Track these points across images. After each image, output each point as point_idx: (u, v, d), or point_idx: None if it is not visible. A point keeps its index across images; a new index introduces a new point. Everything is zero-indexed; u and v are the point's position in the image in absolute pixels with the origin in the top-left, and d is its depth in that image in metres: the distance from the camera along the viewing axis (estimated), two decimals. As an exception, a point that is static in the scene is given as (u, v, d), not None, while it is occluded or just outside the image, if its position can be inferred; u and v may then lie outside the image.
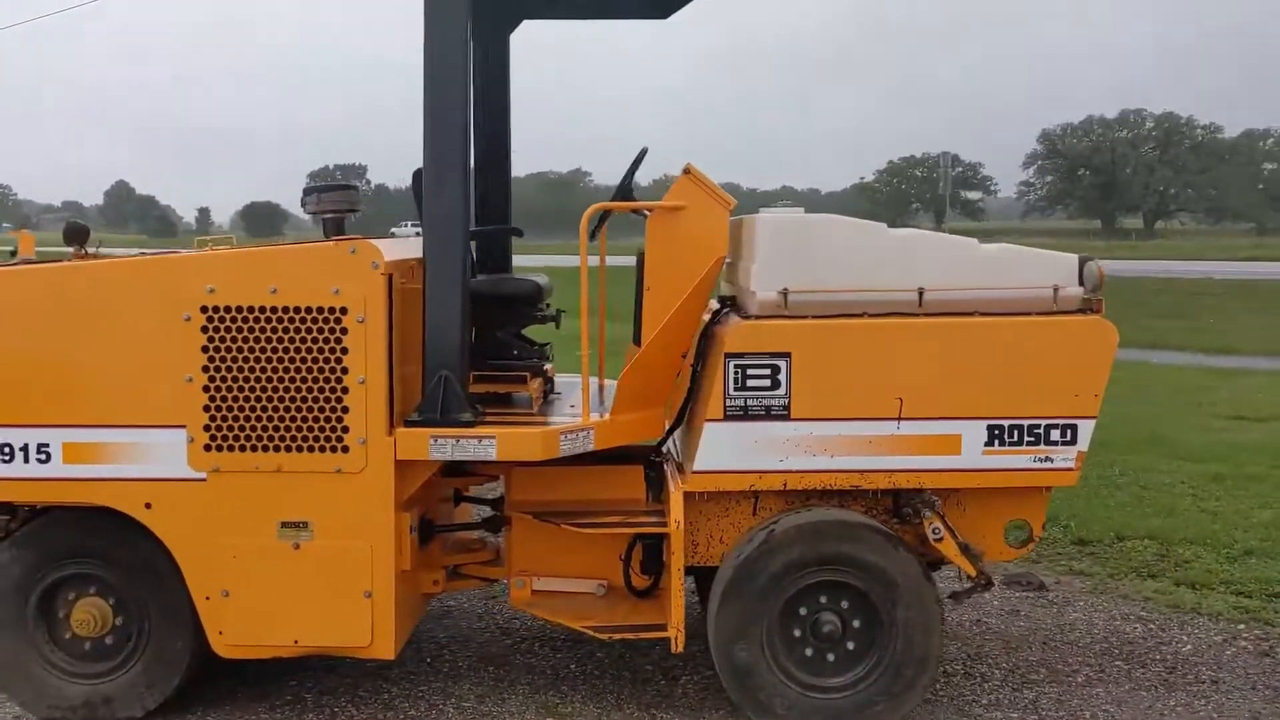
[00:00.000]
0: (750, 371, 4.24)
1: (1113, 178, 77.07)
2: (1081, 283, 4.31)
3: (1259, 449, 9.28)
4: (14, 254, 5.54)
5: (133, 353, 4.20)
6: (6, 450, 4.23)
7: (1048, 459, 4.28)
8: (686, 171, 4.46)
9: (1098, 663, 5.03)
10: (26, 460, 4.23)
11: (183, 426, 4.21)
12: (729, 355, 4.23)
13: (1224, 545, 6.70)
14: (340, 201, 5.05)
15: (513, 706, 4.56)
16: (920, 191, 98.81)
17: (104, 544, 4.40)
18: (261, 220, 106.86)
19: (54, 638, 4.47)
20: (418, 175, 4.79)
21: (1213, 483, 8.23)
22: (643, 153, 4.92)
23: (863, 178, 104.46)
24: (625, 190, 4.86)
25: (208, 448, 4.21)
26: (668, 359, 4.53)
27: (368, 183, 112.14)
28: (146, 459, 4.23)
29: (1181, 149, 78.02)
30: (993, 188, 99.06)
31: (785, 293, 4.25)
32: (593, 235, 5.04)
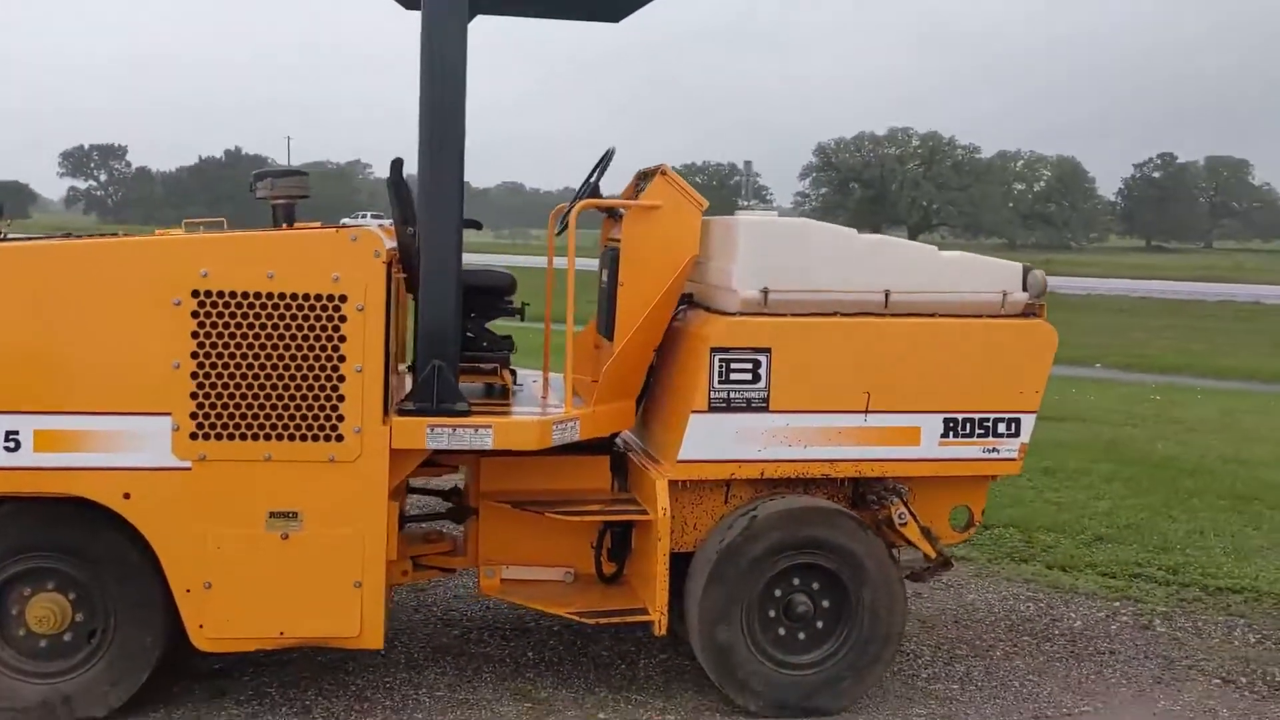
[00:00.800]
0: (733, 365, 4.45)
1: (882, 191, 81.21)
2: (1025, 289, 4.71)
3: (1073, 446, 10.13)
4: None
5: (115, 337, 4.04)
6: (-29, 437, 4.00)
7: (995, 450, 4.67)
8: (663, 173, 4.64)
9: (1009, 638, 5.48)
10: (-7, 448, 4.01)
11: (168, 414, 4.09)
12: (714, 349, 4.43)
13: (1076, 532, 7.35)
14: (295, 187, 4.96)
15: (486, 694, 4.62)
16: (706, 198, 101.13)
17: (68, 537, 4.21)
18: (7, 199, 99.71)
19: (5, 635, 4.25)
20: (397, 164, 4.80)
21: (1046, 476, 8.96)
22: (609, 153, 5.06)
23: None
24: (593, 189, 4.99)
25: (194, 436, 4.10)
26: (643, 353, 4.69)
27: (128, 164, 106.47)
28: (126, 447, 4.08)
29: (944, 167, 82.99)
30: (769, 197, 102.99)
31: (766, 291, 4.48)
32: (560, 232, 5.17)
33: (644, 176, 4.92)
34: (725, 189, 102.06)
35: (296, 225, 4.64)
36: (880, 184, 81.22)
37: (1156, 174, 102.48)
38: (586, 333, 5.49)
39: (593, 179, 5.04)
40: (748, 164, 69.07)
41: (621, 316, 4.63)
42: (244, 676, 4.72)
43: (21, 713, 4.22)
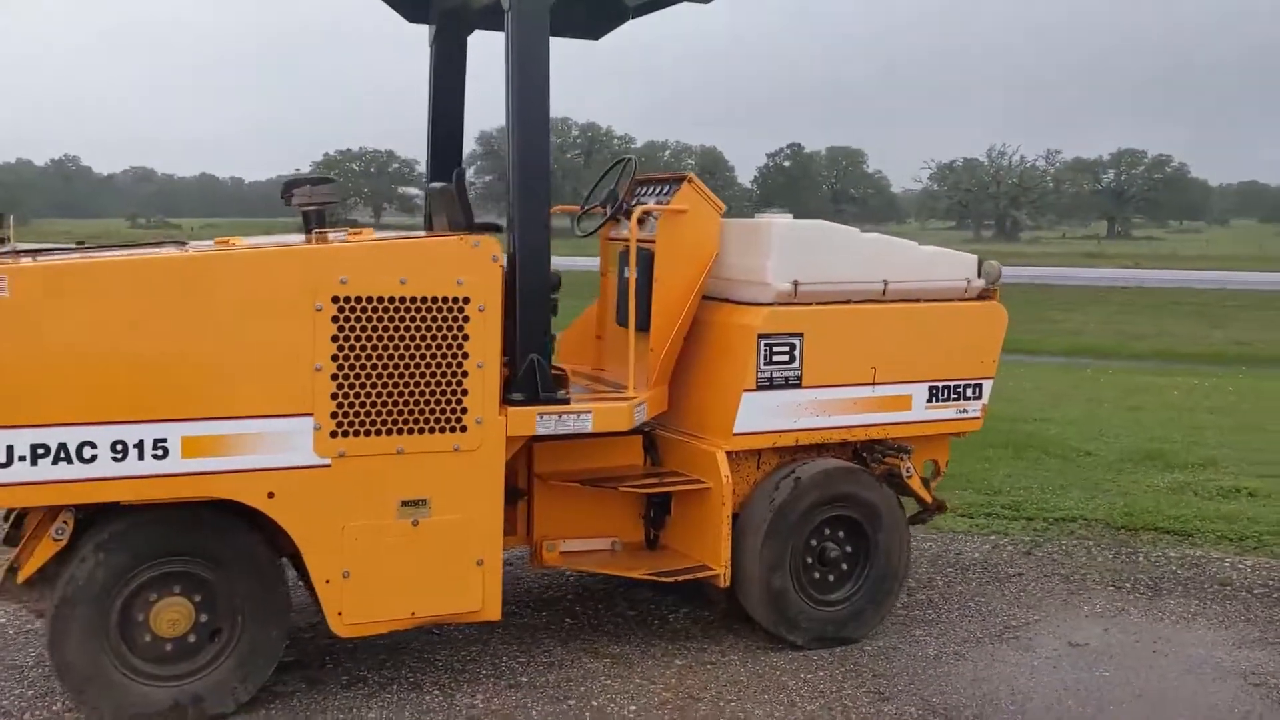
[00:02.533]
0: (775, 349, 5.15)
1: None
2: (981, 276, 5.68)
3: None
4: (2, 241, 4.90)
5: (260, 343, 4.22)
6: (119, 448, 4.06)
7: (964, 410, 5.63)
8: (689, 180, 5.27)
9: (938, 572, 6.49)
10: (141, 457, 4.09)
11: (309, 415, 4.31)
12: (760, 335, 5.11)
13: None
14: (329, 195, 5.22)
15: (563, 655, 5.10)
16: (359, 185, 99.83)
17: (198, 541, 4.34)
18: None
19: (132, 643, 4.32)
20: (459, 174, 5.16)
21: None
22: (627, 162, 5.60)
23: (297, 169, 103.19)
24: (613, 195, 5.53)
25: (334, 434, 4.35)
26: (678, 343, 5.29)
27: None
28: (270, 449, 4.27)
29: (603, 156, 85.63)
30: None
31: (796, 284, 5.20)
32: (591, 233, 5.67)
33: (661, 182, 5.47)
34: (385, 176, 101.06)
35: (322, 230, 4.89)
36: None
37: (787, 162, 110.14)
38: (583, 323, 5.99)
39: (614, 187, 5.57)
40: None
41: (660, 311, 5.21)
42: (330, 664, 4.93)
43: (155, 716, 4.31)
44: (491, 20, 5.76)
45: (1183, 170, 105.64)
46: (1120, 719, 4.60)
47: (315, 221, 5.18)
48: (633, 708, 4.58)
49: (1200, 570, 6.60)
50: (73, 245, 4.77)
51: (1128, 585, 6.30)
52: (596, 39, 6.15)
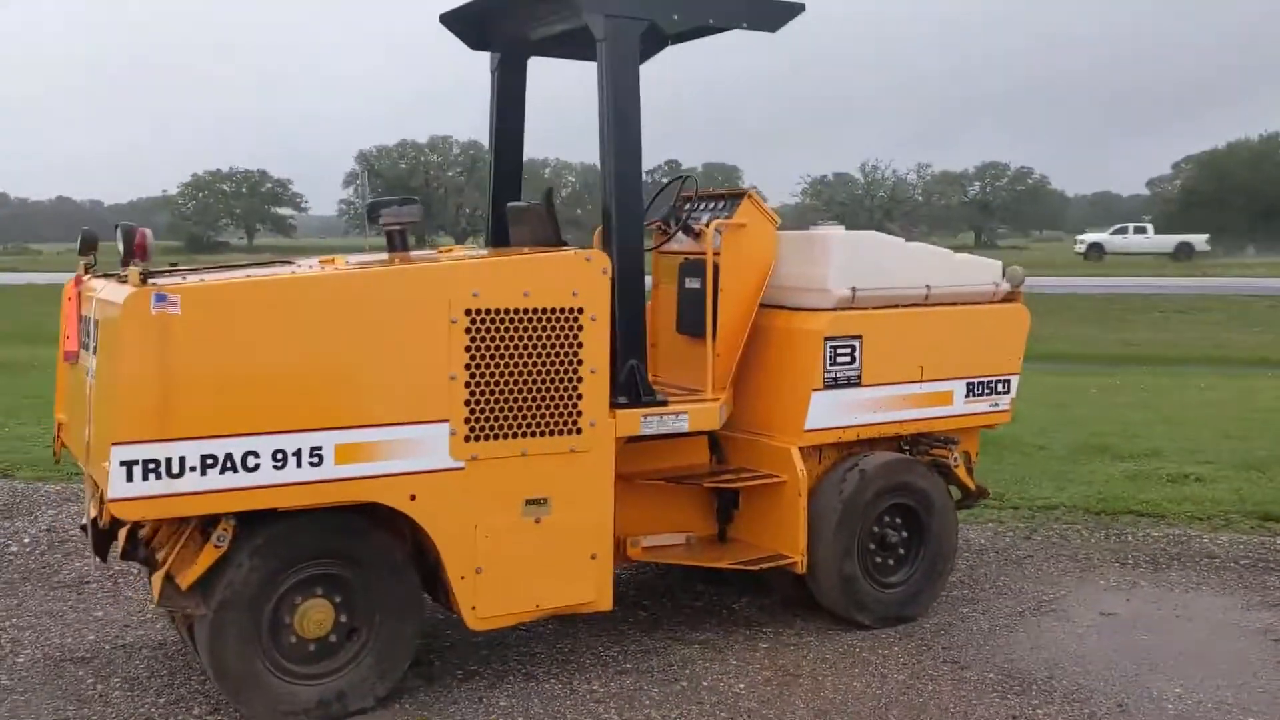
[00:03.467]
0: (838, 350, 5.57)
1: (427, 199, 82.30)
2: (1005, 280, 6.20)
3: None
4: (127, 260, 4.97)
5: (403, 355, 4.48)
6: (279, 456, 4.27)
7: (996, 404, 6.13)
8: (749, 196, 5.67)
9: (978, 560, 6.97)
10: (299, 465, 4.31)
11: (445, 421, 4.57)
12: (827, 338, 5.52)
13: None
14: (414, 215, 5.50)
15: (654, 643, 5.42)
16: (230, 206, 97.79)
17: (342, 543, 4.56)
18: None
19: (279, 644, 4.51)
20: (549, 194, 5.47)
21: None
22: (685, 179, 5.97)
23: (165, 191, 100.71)
24: (673, 211, 5.90)
25: (467, 439, 4.62)
26: (739, 346, 5.66)
27: None
28: (412, 454, 4.52)
29: (486, 173, 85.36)
30: (304, 205, 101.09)
31: (854, 290, 5.63)
32: (653, 249, 6.01)
33: (718, 198, 5.84)
34: (258, 196, 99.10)
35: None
36: (426, 191, 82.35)
37: (665, 179, 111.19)
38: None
39: (673, 204, 5.94)
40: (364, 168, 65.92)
41: (725, 319, 5.58)
42: (438, 662, 5.17)
43: (301, 714, 4.52)
44: (556, 48, 6.09)
45: (1044, 182, 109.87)
46: (1173, 675, 5.11)
47: (400, 241, 5.45)
48: (741, 686, 4.93)
49: (1186, 546, 7.22)
50: (167, 267, 4.92)
51: (1129, 562, 6.88)
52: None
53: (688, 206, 6.00)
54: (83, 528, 4.82)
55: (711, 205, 5.88)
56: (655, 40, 6.31)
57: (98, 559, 4.88)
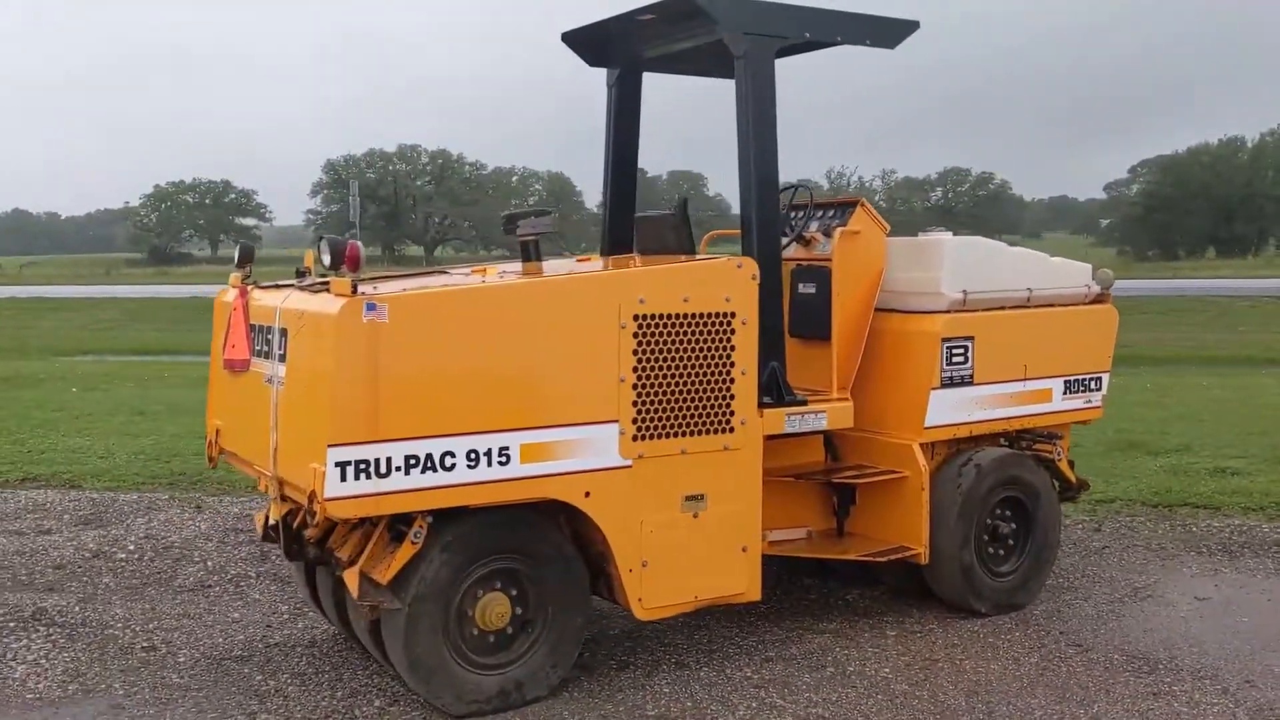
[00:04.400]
0: (953, 351, 5.85)
1: (396, 208, 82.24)
2: (1096, 282, 6.50)
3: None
4: (300, 273, 5.13)
5: (579, 358, 4.70)
6: (473, 456, 4.48)
7: (1090, 400, 6.43)
8: (862, 204, 5.94)
9: (1061, 551, 7.25)
10: (490, 464, 4.52)
11: (615, 421, 4.80)
12: (944, 339, 5.79)
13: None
14: (549, 226, 5.73)
15: (780, 633, 5.66)
16: (193, 217, 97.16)
17: (522, 539, 4.78)
18: None
19: (463, 636, 4.72)
20: (684, 203, 5.71)
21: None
22: (797, 189, 6.22)
23: (127, 202, 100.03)
24: (786, 219, 6.14)
25: (634, 438, 4.84)
26: (859, 348, 5.93)
27: None
28: (586, 453, 4.74)
29: (455, 182, 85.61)
30: (268, 215, 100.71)
31: (966, 293, 5.91)
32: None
33: (830, 206, 6.09)
34: (221, 206, 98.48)
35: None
36: (394, 201, 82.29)
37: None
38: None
39: (785, 211, 6.18)
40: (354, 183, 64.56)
41: (844, 322, 5.83)
42: (587, 654, 5.38)
43: (484, 702, 4.73)
44: (673, 65, 6.33)
45: (1004, 187, 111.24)
46: (1283, 653, 5.43)
47: (534, 251, 5.67)
48: (886, 670, 5.19)
49: (1251, 535, 7.55)
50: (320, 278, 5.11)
51: (1204, 551, 7.20)
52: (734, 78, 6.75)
53: (798, 214, 6.25)
54: (270, 530, 4.99)
55: (820, 213, 6.14)
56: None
57: (287, 558, 5.03)
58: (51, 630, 5.70)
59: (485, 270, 5.29)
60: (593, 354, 4.74)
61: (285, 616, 5.98)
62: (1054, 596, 6.25)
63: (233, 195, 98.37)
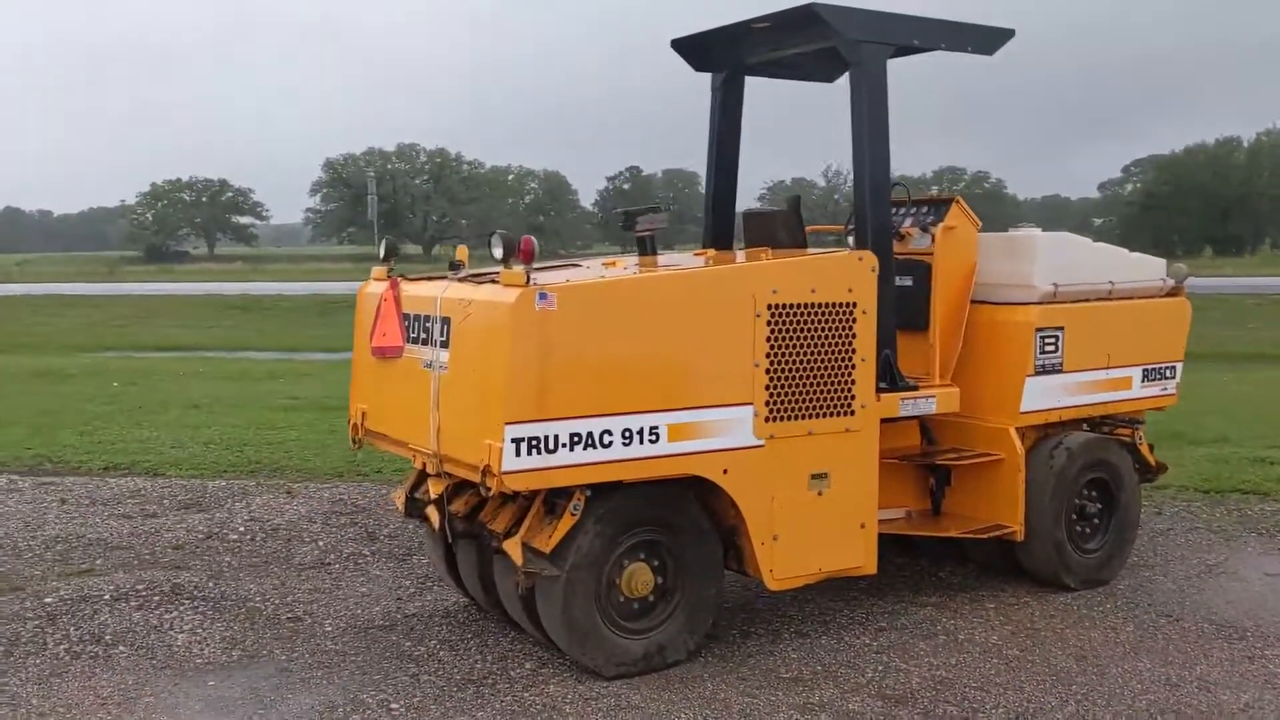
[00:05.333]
0: (1045, 340, 6.20)
1: (395, 206, 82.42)
2: (1170, 276, 6.87)
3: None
4: (454, 265, 5.48)
5: (720, 344, 5.05)
6: (627, 434, 4.83)
7: (1165, 388, 6.79)
8: (957, 201, 6.29)
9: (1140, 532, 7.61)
10: (641, 442, 4.87)
11: (750, 404, 5.15)
12: (1037, 329, 6.15)
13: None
14: (664, 222, 6.06)
15: (888, 606, 6.01)
16: (190, 215, 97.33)
17: (664, 512, 5.12)
18: None
19: (613, 603, 5.07)
20: (797, 200, 6.06)
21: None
22: (894, 186, 6.55)
23: (123, 200, 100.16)
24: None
25: (767, 419, 5.19)
26: (958, 338, 6.28)
27: None
28: (725, 433, 5.09)
29: (453, 181, 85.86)
30: (265, 214, 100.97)
31: (1056, 285, 6.27)
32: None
33: (925, 203, 6.44)
34: (218, 205, 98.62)
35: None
36: (393, 199, 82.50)
37: (626, 185, 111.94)
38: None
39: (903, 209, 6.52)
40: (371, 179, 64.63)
41: (945, 314, 6.18)
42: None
43: (631, 664, 5.08)
44: (777, 70, 6.68)
45: (999, 186, 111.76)
46: (1360, 623, 5.80)
47: (650, 245, 6.00)
48: (995, 638, 5.55)
49: (1303, 519, 7.93)
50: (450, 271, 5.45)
51: (1263, 533, 7.57)
52: (832, 81, 7.11)
53: (894, 211, 6.58)
54: (423, 509, 5.33)
55: (914, 210, 6.48)
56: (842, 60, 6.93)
57: (447, 534, 5.34)
58: (196, 603, 6.02)
59: (616, 263, 5.63)
60: (732, 340, 5.08)
61: (412, 590, 6.31)
62: (1133, 573, 6.61)
63: (230, 193, 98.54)
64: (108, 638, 5.55)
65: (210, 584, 6.35)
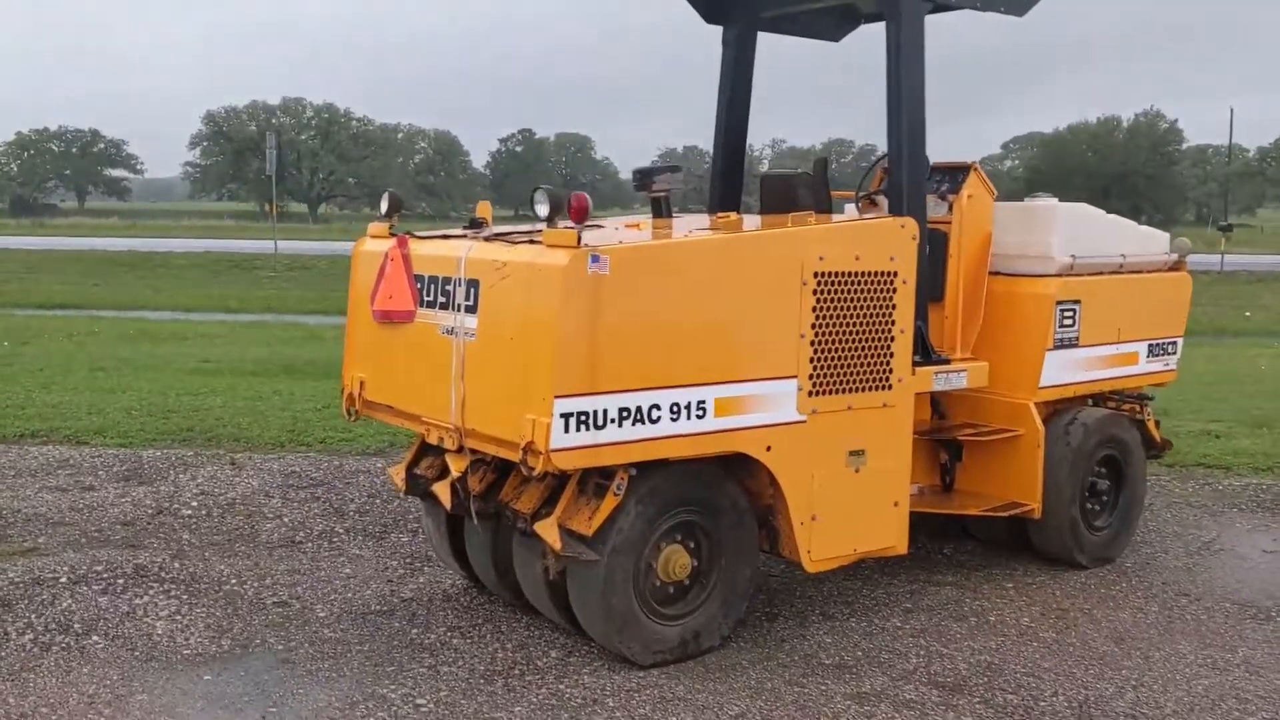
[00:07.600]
0: (1064, 313, 6.04)
1: (280, 161, 79.75)
2: (1174, 250, 6.77)
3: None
4: (476, 223, 4.98)
5: (766, 314, 4.74)
6: (675, 409, 4.50)
7: (1167, 364, 6.71)
8: (975, 169, 6.08)
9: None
10: (689, 417, 4.54)
11: (794, 377, 4.86)
12: (1058, 302, 5.98)
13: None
14: (680, 182, 5.72)
15: (909, 587, 5.82)
16: (59, 166, 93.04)
17: (703, 492, 4.81)
18: None
19: (650, 587, 4.75)
20: (824, 162, 5.76)
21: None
22: (883, 157, 6.30)
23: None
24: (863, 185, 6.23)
25: (810, 393, 4.91)
26: (979, 310, 6.08)
27: None
28: (769, 408, 4.79)
29: (342, 138, 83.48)
30: (140, 167, 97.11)
31: (1074, 258, 6.10)
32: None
33: (942, 171, 6.21)
34: (89, 157, 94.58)
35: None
36: (280, 155, 79.83)
37: (519, 148, 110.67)
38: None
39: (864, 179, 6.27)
40: (271, 134, 61.63)
41: (965, 285, 5.97)
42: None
43: (667, 652, 4.78)
44: (790, 26, 6.36)
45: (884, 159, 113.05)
46: (1372, 600, 5.79)
47: (666, 206, 5.65)
48: (1025, 619, 5.38)
49: (1274, 494, 7.97)
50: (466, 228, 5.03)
51: (1244, 508, 7.59)
52: (837, 40, 6.82)
53: None
54: (427, 486, 4.95)
55: (936, 178, 6.23)
56: (852, 18, 6.66)
57: (463, 514, 4.95)
58: (165, 585, 5.54)
59: (640, 224, 5.28)
60: (780, 309, 4.78)
61: (401, 572, 5.90)
62: (1135, 551, 6.53)
63: (101, 145, 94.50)
64: (76, 626, 5.04)
65: (176, 565, 5.85)
